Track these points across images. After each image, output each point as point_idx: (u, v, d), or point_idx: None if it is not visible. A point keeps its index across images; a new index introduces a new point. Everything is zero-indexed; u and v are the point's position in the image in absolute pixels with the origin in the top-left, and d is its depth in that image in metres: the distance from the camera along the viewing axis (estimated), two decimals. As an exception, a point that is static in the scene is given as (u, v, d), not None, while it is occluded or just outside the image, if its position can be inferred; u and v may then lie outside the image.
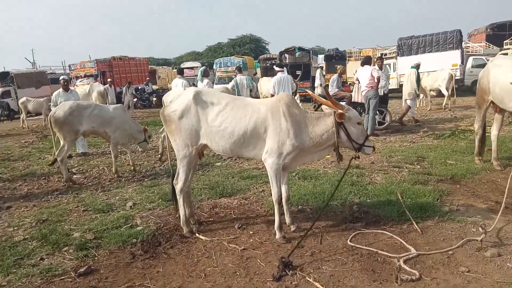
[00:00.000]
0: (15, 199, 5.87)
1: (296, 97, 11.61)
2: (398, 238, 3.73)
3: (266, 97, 13.53)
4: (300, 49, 23.04)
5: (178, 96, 4.01)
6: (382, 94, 9.85)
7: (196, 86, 9.94)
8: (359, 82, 9.54)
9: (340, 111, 3.62)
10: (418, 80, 11.53)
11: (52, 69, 37.03)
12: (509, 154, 6.65)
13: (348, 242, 3.72)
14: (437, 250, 3.48)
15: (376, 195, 4.90)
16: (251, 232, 4.11)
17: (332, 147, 3.80)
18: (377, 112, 9.44)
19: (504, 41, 21.78)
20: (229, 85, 11.17)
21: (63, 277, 3.38)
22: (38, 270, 3.48)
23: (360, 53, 26.39)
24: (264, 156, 3.73)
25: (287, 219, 4.07)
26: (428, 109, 14.04)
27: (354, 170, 6.08)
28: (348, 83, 18.28)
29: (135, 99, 22.08)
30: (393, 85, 17.65)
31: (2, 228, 4.64)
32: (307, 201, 4.86)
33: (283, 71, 9.11)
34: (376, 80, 8.92)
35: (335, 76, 11.32)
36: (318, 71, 17.69)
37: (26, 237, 4.26)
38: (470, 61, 19.84)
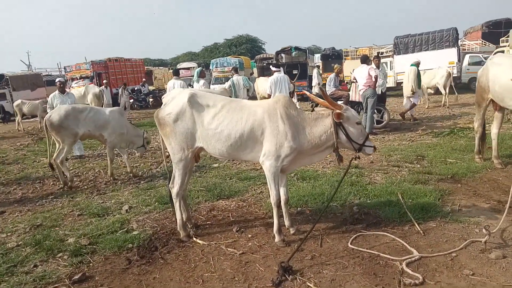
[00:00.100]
0: (9, 204, 5.76)
1: (293, 98, 11.53)
2: (400, 240, 3.64)
3: (263, 96, 13.50)
4: (296, 48, 23.06)
5: (172, 98, 3.91)
6: (379, 92, 9.83)
7: (193, 87, 9.88)
8: (356, 82, 9.52)
9: (338, 111, 3.54)
10: (419, 77, 11.48)
11: (47, 71, 36.90)
12: (509, 152, 6.59)
13: (349, 245, 3.63)
14: (440, 252, 3.40)
15: (376, 196, 4.82)
16: (249, 236, 4.02)
17: (331, 148, 3.71)
18: (375, 110, 9.39)
19: (500, 39, 21.79)
20: (226, 85, 11.11)
21: (57, 285, 3.28)
22: (31, 278, 3.38)
23: (356, 52, 26.38)
24: (261, 158, 3.64)
25: (286, 222, 3.99)
26: (426, 107, 14.01)
27: (353, 170, 5.99)
28: (345, 81, 18.28)
29: (132, 100, 22.00)
30: (389, 83, 17.66)
31: (-5, 234, 4.53)
32: (306, 202, 4.78)
33: (279, 71, 9.07)
34: (373, 79, 8.88)
35: (332, 75, 11.26)
36: (316, 70, 17.64)
37: (19, 243, 4.14)
38: (466, 59, 19.90)
